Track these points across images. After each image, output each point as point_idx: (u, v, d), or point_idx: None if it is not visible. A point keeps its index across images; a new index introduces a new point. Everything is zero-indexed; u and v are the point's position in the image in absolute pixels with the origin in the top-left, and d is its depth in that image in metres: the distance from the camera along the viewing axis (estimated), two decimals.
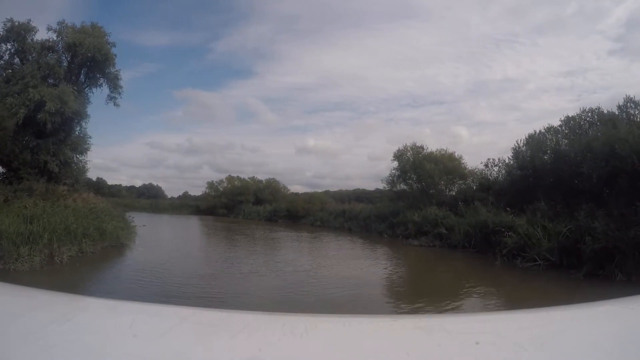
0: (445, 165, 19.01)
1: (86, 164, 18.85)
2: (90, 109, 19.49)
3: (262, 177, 44.80)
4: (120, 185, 64.79)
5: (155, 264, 9.56)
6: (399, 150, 21.07)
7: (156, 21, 65.40)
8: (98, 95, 19.79)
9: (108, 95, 18.15)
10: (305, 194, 34.83)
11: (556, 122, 14.91)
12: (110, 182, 64.41)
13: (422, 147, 20.73)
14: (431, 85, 62.81)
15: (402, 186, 21.00)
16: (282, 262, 10.99)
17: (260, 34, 64.68)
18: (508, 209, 11.82)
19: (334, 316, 1.84)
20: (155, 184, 64.84)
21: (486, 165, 18.12)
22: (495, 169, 17.26)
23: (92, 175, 57.84)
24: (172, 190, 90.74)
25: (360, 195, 36.42)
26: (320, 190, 36.67)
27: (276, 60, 70.78)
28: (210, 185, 44.19)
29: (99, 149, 71.89)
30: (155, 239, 16.24)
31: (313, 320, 1.26)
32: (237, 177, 45.42)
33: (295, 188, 41.30)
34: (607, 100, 38.86)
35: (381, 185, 21.80)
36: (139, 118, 72.52)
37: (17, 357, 0.88)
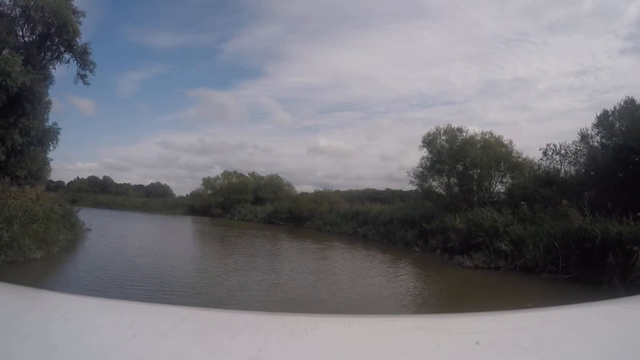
0: (495, 152, 15.87)
1: (42, 153, 16.95)
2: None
3: None
4: (128, 184, 70.17)
5: None
6: (429, 135, 18.07)
7: (166, 22, 70.78)
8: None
9: (77, 73, 16.86)
10: (315, 192, 32.58)
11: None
12: (121, 181, 72.06)
13: (459, 129, 17.62)
14: (441, 85, 67.02)
15: (433, 182, 18.01)
16: None
17: (269, 35, 70.01)
18: (634, 214, 7.71)
19: (334, 316, 1.91)
20: (163, 183, 68.25)
21: (545, 153, 15.21)
22: (557, 157, 14.56)
23: (99, 174, 63.17)
24: (182, 189, 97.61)
25: (370, 195, 35.46)
26: (330, 190, 32.50)
27: (286, 60, 76.41)
28: (206, 181, 40.24)
29: (111, 148, 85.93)
30: (96, 251, 13.36)
31: (313, 320, 1.31)
32: (235, 172, 43.26)
33: (306, 188, 39.37)
34: (619, 100, 36.08)
35: (407, 181, 18.05)
36: (151, 118, 78.51)
37: (17, 357, 0.90)
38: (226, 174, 42.70)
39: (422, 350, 1.01)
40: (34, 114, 15.58)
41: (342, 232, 23.22)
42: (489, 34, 59.82)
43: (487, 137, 16.94)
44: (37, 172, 16.55)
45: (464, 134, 17.29)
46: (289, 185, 39.89)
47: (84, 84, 16.95)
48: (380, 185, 63.93)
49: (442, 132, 17.69)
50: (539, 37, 56.70)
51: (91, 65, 16.79)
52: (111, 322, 1.16)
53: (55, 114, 65.07)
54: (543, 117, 51.70)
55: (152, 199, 54.47)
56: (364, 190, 42.47)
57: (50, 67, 16.80)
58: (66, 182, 67.95)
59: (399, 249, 16.07)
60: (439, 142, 17.50)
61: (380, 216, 20.44)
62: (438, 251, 14.17)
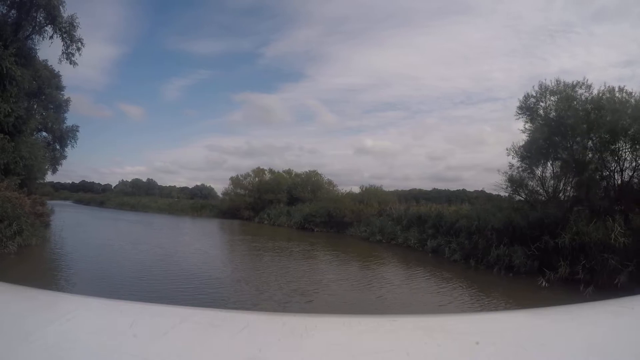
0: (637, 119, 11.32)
1: (11, 143, 14.74)
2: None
3: None
4: (173, 186, 78.75)
5: None
6: (528, 97, 13.35)
7: (206, 30, 79.28)
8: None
9: (62, 52, 15.41)
10: (361, 191, 28.27)
11: None
12: (169, 184, 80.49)
13: (576, 85, 12.32)
14: (485, 82, 69.87)
15: (530, 171, 13.22)
16: None
17: (308, 37, 75.46)
18: None
19: (334, 316, 1.81)
20: (208, 185, 73.75)
21: None
22: None
23: (148, 177, 71.99)
24: None
25: (417, 195, 34.83)
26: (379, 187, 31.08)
27: (326, 62, 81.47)
28: (235, 180, 36.86)
29: (159, 152, 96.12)
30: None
31: (313, 320, 1.32)
32: (270, 169, 41.37)
33: (353, 189, 34.78)
34: None
35: (506, 165, 13.88)
36: (197, 122, 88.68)
37: (17, 357, 0.94)
38: (258, 171, 41.81)
39: (422, 350, 1.05)
40: (3, 97, 14.11)
41: (398, 244, 19.17)
42: (531, 27, 61.86)
43: (617, 95, 11.46)
44: (8, 165, 14.91)
45: (589, 90, 12.24)
46: (330, 183, 36.94)
47: (70, 64, 15.69)
48: (427, 185, 67.72)
49: (548, 92, 13.07)
50: (583, 27, 58.83)
51: (79, 43, 15.51)
52: (111, 322, 1.21)
53: (104, 120, 67.22)
54: None
55: (180, 201, 59.52)
56: (409, 190, 43.72)
57: (30, 43, 15.43)
58: (113, 185, 73.84)
59: (502, 280, 11.50)
60: (547, 105, 12.93)
61: (457, 222, 15.24)
62: (588, 289, 8.95)
